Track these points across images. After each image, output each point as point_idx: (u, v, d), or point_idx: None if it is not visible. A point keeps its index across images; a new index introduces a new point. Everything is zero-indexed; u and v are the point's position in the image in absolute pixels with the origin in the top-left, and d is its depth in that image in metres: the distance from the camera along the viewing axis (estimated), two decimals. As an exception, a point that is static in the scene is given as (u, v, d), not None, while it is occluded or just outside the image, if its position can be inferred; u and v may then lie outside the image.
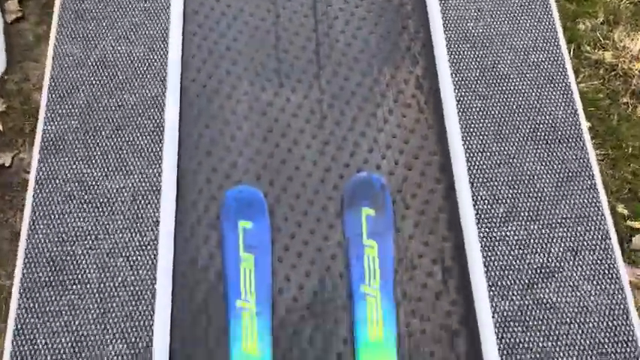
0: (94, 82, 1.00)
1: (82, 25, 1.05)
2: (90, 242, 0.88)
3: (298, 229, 0.90)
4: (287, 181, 0.93)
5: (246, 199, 0.90)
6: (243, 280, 0.85)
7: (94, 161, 0.93)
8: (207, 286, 0.86)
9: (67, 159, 0.94)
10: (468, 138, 0.95)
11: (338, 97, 1.00)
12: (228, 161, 0.94)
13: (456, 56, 1.03)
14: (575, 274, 0.87)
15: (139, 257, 0.86)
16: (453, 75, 1.01)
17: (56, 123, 0.97)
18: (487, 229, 0.89)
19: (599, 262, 0.88)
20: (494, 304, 0.85)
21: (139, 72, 1.01)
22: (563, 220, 0.90)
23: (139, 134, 0.95)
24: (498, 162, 0.94)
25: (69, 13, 1.06)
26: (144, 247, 0.87)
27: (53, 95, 0.99)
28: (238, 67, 1.02)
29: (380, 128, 0.97)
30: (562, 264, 0.87)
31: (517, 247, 0.88)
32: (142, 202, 0.90)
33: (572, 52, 1.44)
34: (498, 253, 0.87)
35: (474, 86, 1.00)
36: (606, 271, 0.87)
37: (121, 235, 0.88)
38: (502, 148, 0.94)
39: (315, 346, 0.83)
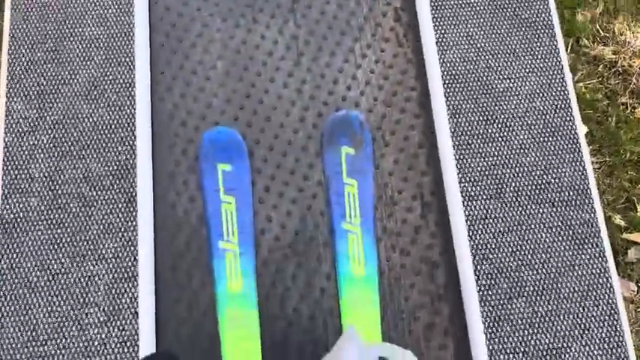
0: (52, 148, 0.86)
1: (35, 81, 0.90)
2: (63, 341, 0.80)
3: (278, 170, 0.89)
4: (265, 121, 0.91)
5: (224, 140, 0.88)
6: (225, 221, 0.85)
7: (60, 245, 0.82)
8: (189, 229, 0.86)
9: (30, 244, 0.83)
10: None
11: (314, 32, 0.97)
12: (203, 102, 0.92)
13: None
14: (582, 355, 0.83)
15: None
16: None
17: (14, 201, 0.84)
18: (490, 307, 0.84)
19: (607, 339, 0.83)
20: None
21: (104, 131, 0.87)
22: (571, 295, 0.85)
23: (109, 209, 0.85)
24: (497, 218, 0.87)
25: (20, 66, 0.90)
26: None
27: (8, 167, 0.86)
28: (209, 2, 0.98)
29: (358, 64, 0.95)
30: (569, 343, 0.83)
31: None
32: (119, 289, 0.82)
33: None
34: (503, 333, 0.83)
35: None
36: (614, 350, 0.83)
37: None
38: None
39: (299, 283, 0.85)
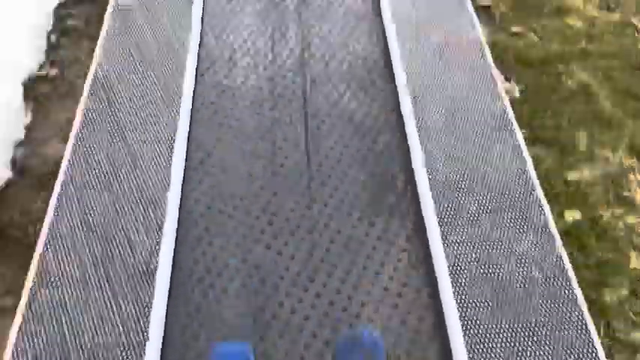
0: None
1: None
2: None
3: (287, 389, 0.85)
4: (277, 336, 0.90)
5: (233, 354, 0.86)
6: None
7: None
8: None
9: None
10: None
11: (330, 250, 1.01)
12: (218, 316, 0.93)
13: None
14: None
15: None
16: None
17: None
18: None
19: None
20: None
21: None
22: None
23: None
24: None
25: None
26: None
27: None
28: (233, 221, 1.05)
29: (372, 281, 0.97)
30: None
31: None
32: None
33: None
34: None
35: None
36: None
37: None
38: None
39: None
